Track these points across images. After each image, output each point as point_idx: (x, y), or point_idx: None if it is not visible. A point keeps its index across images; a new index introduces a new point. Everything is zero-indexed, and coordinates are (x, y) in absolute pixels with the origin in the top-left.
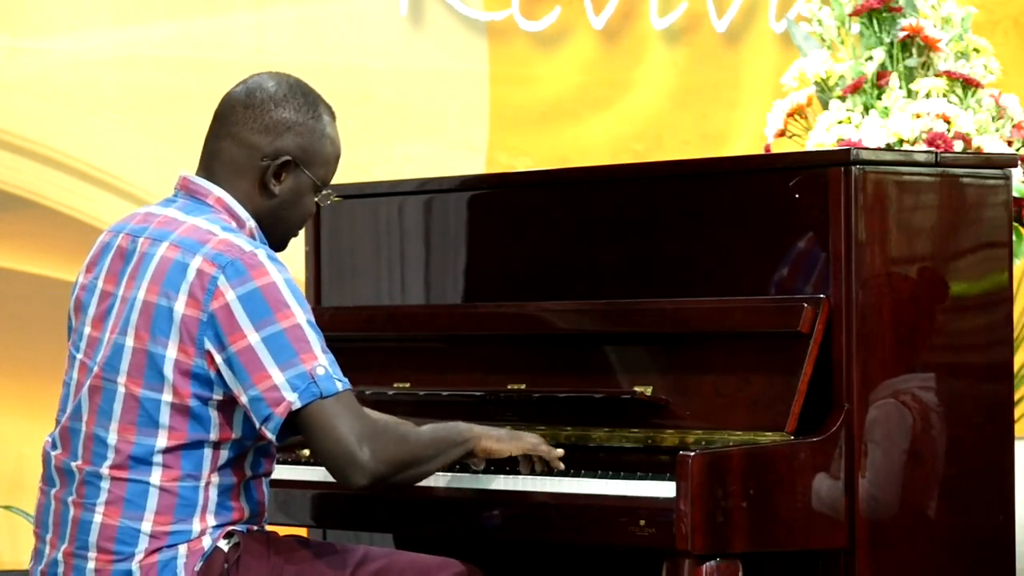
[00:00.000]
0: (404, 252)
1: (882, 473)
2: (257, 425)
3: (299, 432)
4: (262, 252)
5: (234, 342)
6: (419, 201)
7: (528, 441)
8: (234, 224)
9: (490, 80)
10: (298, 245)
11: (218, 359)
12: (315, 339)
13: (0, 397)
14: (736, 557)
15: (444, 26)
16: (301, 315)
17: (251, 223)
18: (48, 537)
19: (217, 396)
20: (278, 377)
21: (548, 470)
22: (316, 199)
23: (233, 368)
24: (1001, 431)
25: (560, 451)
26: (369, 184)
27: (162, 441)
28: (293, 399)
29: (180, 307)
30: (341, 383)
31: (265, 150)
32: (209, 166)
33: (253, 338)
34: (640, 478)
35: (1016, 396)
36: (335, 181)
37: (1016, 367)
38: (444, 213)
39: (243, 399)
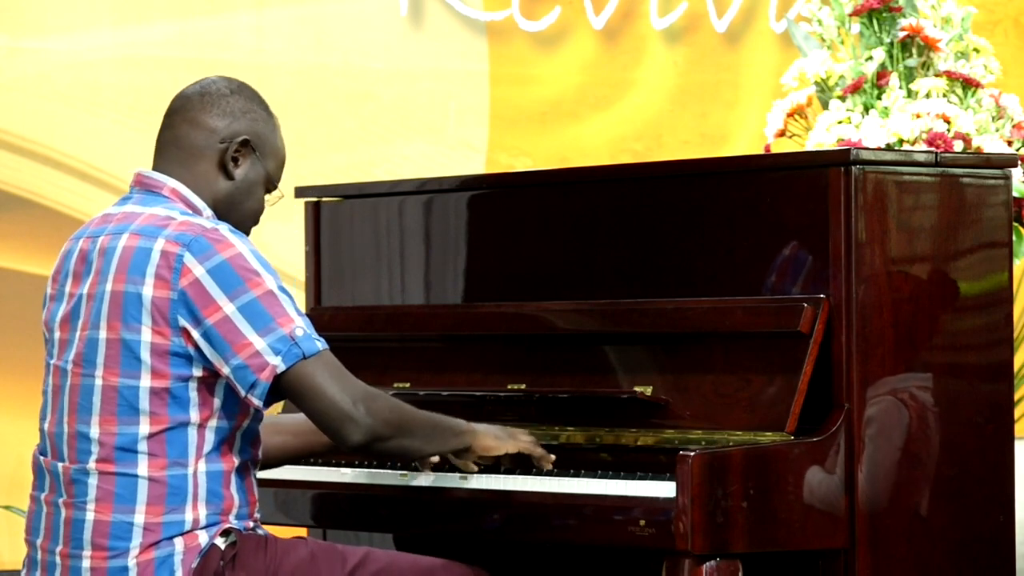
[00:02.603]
0: (404, 252)
1: (882, 473)
2: (243, 394)
3: (282, 399)
4: (224, 226)
5: (209, 315)
6: (419, 201)
7: (523, 440)
8: (190, 212)
9: (490, 80)
10: (298, 245)
11: (195, 334)
12: (288, 303)
13: (0, 397)
14: (736, 557)
15: (444, 26)
16: (271, 281)
17: (207, 211)
18: (39, 542)
19: (197, 373)
20: (259, 343)
21: (539, 470)
22: (267, 197)
23: (212, 341)
24: (1001, 431)
25: (552, 457)
26: (369, 184)
27: (144, 428)
28: (277, 362)
29: (149, 291)
30: (320, 342)
31: (223, 133)
32: (164, 155)
33: (228, 308)
34: (640, 478)
35: (1016, 396)
36: (337, 181)
37: (1016, 367)
38: (444, 213)
39: (225, 370)
